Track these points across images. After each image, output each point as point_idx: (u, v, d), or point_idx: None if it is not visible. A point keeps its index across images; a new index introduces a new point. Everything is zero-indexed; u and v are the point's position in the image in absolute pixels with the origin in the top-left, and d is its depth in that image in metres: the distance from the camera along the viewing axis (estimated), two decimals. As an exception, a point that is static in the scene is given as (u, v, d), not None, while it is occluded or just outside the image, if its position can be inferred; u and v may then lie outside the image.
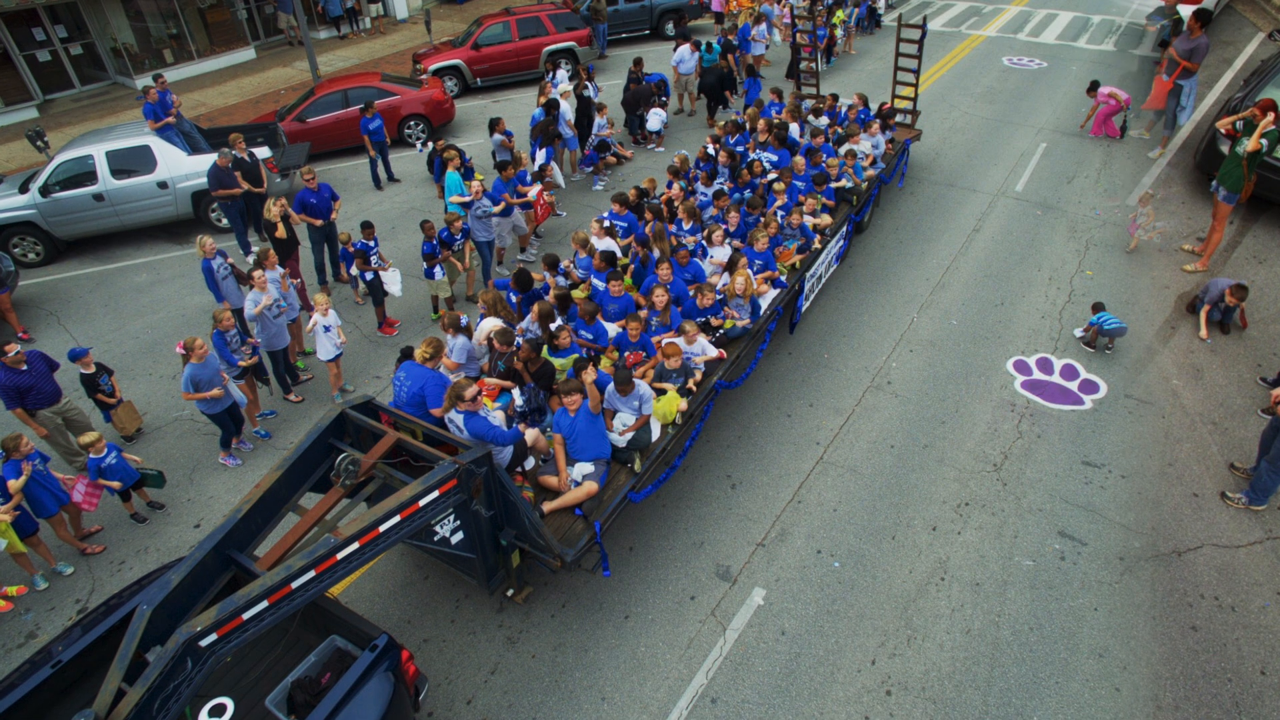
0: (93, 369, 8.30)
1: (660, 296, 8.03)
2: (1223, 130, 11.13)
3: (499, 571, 6.41)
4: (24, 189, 12.04)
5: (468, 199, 10.59)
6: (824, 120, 13.06)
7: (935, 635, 6.52)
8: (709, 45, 16.33)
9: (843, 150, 11.58)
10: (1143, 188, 13.06)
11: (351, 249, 10.06)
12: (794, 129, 12.35)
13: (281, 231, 10.09)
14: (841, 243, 10.96)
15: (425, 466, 5.77)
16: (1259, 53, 17.68)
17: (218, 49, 22.06)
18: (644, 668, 6.36)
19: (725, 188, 10.91)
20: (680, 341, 7.66)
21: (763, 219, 9.64)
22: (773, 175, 11.15)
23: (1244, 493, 7.48)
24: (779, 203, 10.36)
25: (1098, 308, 9.67)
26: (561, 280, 9.09)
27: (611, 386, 6.87)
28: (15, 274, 11.03)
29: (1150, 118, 14.76)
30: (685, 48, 16.03)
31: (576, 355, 7.43)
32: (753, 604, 6.82)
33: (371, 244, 10.08)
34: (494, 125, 12.81)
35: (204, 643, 4.32)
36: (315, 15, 24.12)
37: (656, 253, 9.00)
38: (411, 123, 15.83)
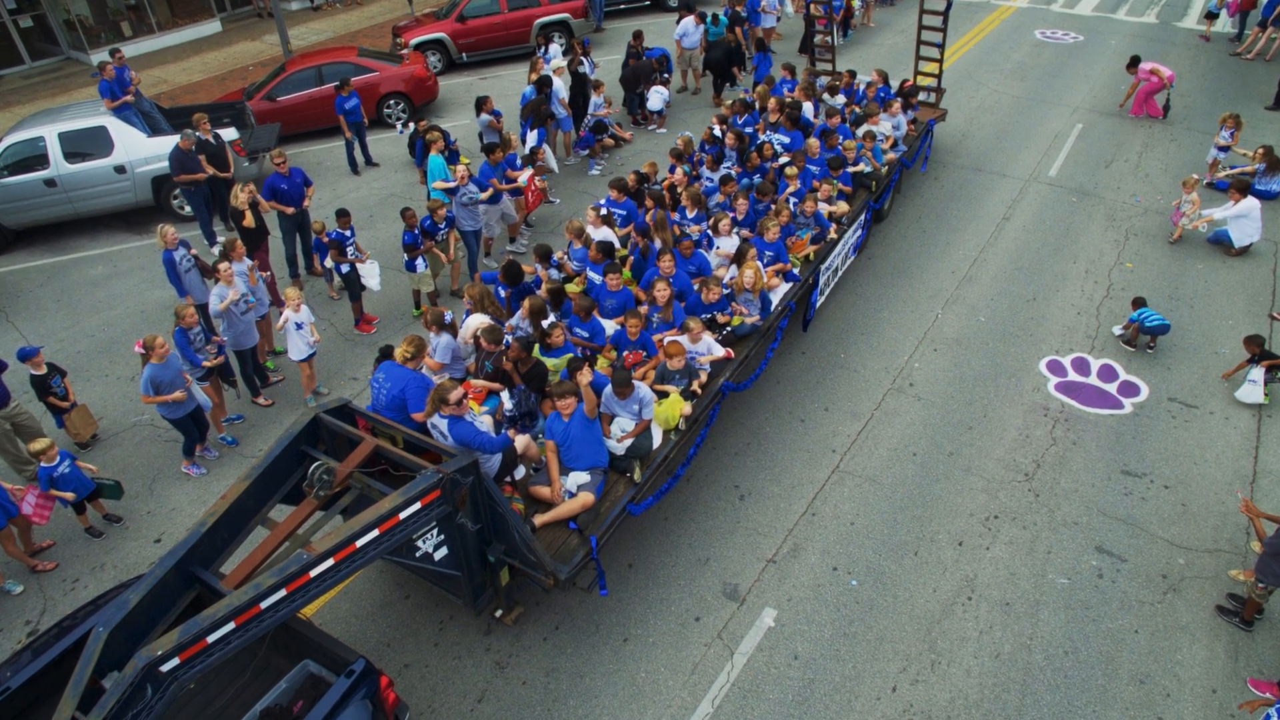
0: (44, 370, 8.30)
1: (662, 291, 8.03)
2: None
3: (486, 590, 6.42)
4: (-31, 174, 12.07)
5: (452, 185, 10.60)
6: (840, 99, 13.05)
7: (962, 660, 6.53)
8: (715, 17, 16.32)
9: (861, 132, 11.59)
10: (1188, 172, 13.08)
11: (326, 239, 10.07)
12: (808, 108, 12.34)
13: (250, 220, 10.10)
14: (859, 232, 10.97)
15: (406, 476, 5.77)
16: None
17: (180, 21, 22.08)
18: (644, 695, 6.36)
19: (733, 172, 10.91)
20: (684, 340, 7.66)
21: (774, 207, 9.64)
22: (784, 159, 11.15)
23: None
24: (791, 189, 10.36)
25: (1139, 303, 9.68)
26: (554, 273, 9.10)
27: (609, 389, 6.87)
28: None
29: None
30: (689, 20, 16.03)
31: (571, 355, 7.43)
32: (763, 626, 6.82)
33: (348, 234, 10.09)
34: (481, 104, 12.81)
35: (165, 668, 4.32)
36: (286, -15, 24.17)
37: (658, 243, 9.00)
38: (391, 102, 15.83)
